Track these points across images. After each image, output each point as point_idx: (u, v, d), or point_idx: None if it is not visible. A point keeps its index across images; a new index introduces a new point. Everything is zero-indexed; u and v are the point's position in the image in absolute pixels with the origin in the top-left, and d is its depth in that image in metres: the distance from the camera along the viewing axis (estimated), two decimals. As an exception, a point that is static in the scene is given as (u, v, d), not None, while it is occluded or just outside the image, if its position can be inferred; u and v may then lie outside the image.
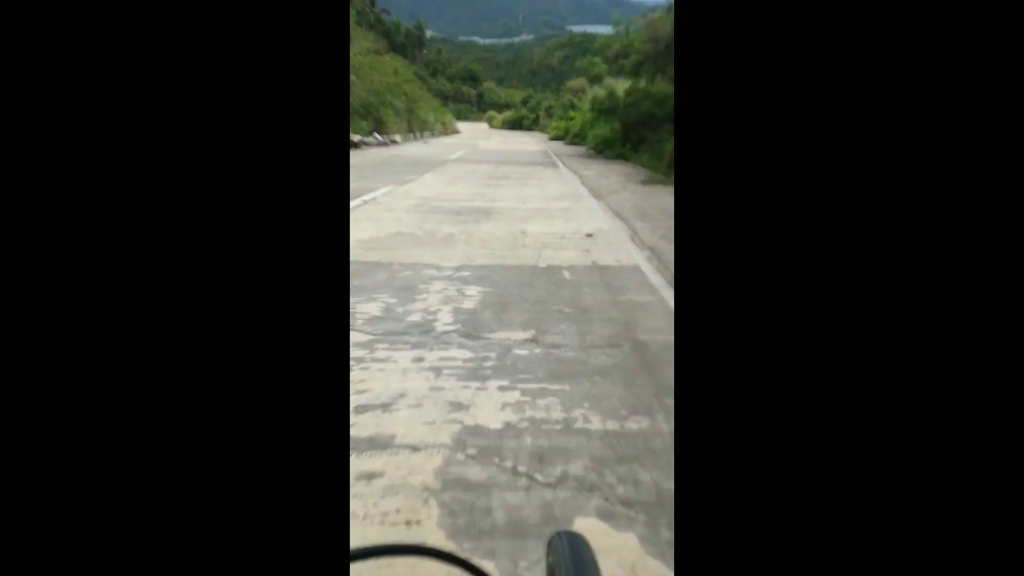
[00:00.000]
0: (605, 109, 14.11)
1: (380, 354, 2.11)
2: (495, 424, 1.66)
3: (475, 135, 26.29)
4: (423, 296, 2.81)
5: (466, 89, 79.75)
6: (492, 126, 46.21)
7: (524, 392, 1.86)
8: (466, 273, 3.26)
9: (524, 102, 43.50)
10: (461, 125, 46.14)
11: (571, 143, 19.91)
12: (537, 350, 2.21)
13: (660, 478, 1.43)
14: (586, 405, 1.79)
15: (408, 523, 1.25)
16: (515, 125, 40.05)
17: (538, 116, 36.73)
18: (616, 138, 13.79)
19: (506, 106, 52.95)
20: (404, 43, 72.44)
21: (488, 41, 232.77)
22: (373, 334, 2.31)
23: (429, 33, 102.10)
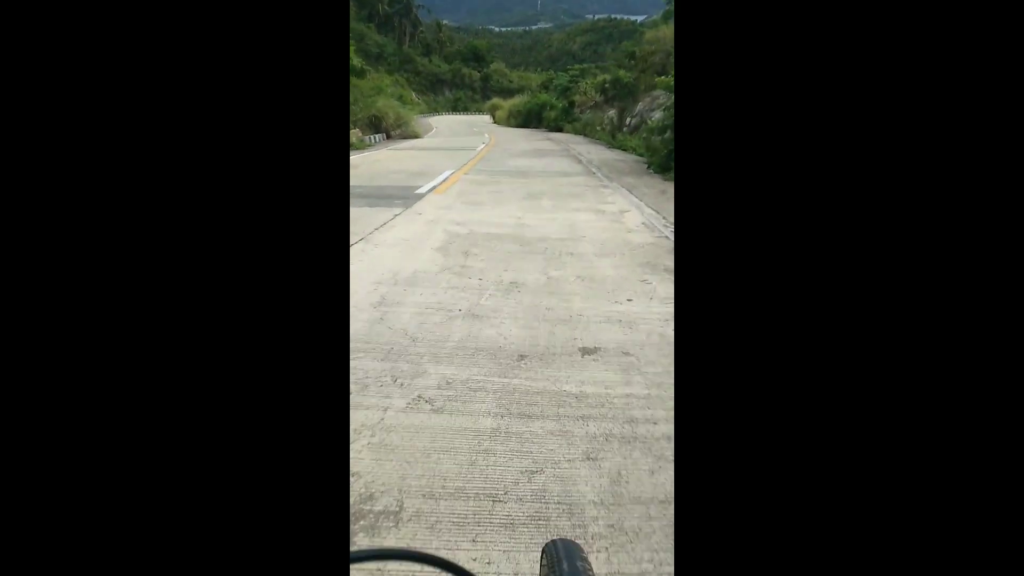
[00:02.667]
0: None
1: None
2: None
3: (383, 165, 9.48)
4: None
5: (468, 71, 63.21)
6: (496, 119, 30.34)
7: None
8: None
9: (545, 85, 27.16)
10: (448, 121, 30.65)
11: None
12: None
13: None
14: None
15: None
16: (529, 119, 24.17)
17: (572, 103, 20.65)
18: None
19: (519, 92, 36.64)
20: (388, 14, 56.70)
21: (504, 29, 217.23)
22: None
23: (444, 21, 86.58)
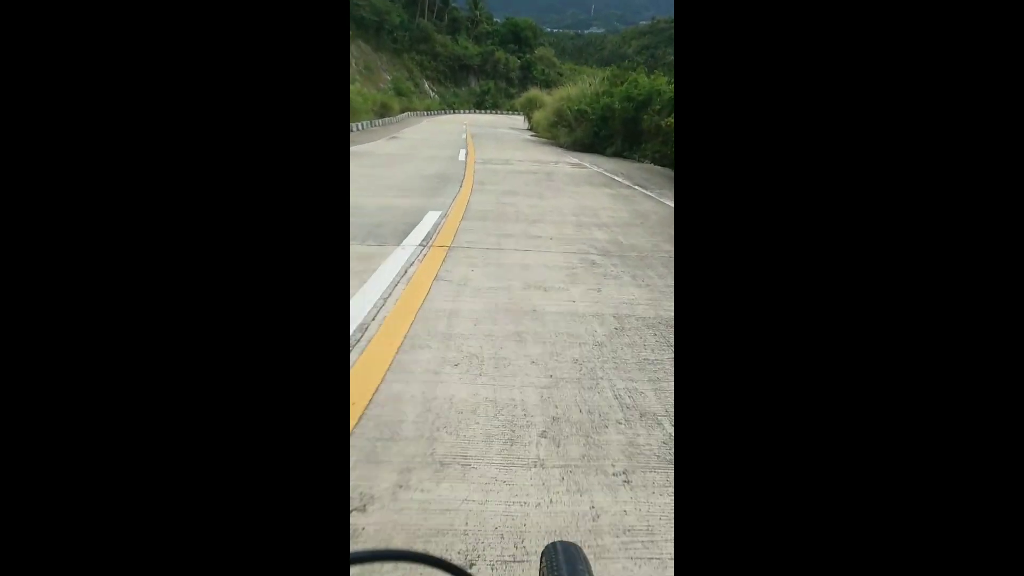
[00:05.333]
0: None
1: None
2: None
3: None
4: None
5: (503, 55, 49.30)
6: (533, 124, 16.93)
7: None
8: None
9: (608, 82, 13.22)
10: (447, 129, 17.12)
11: None
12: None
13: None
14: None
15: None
16: (603, 135, 10.79)
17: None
18: None
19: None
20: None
21: (556, 31, 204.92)
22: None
23: (495, 20, 74.03)
